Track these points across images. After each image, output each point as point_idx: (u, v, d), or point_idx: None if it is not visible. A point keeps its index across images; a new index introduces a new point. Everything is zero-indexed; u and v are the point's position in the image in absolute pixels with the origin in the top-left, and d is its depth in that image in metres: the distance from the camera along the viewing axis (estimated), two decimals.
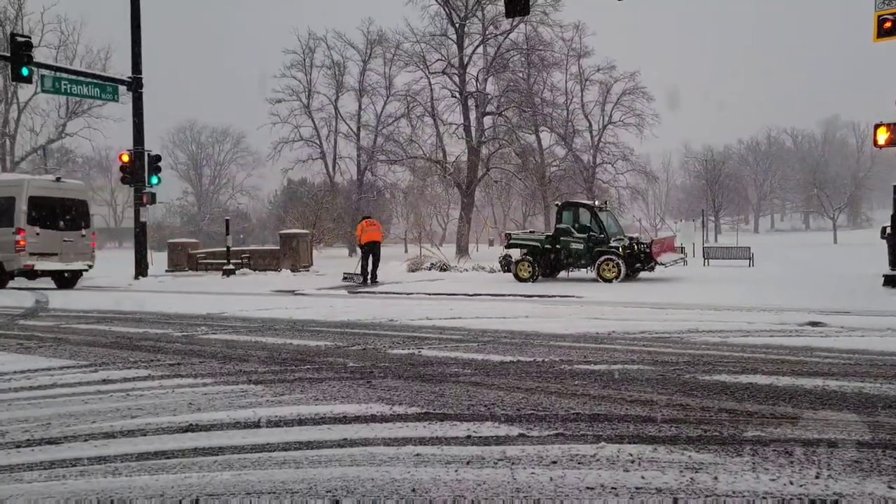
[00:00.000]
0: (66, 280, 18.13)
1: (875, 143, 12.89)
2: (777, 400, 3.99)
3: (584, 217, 16.45)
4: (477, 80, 37.42)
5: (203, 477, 2.80)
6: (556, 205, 17.83)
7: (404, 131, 40.93)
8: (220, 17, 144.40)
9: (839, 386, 4.35)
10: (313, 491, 2.62)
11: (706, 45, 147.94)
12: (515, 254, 17.04)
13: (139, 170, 20.10)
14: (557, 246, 16.19)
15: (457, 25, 36.56)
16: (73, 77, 20.51)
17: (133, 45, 20.21)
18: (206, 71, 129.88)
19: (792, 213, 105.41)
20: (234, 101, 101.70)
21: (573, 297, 12.06)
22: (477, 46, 37.25)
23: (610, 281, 15.08)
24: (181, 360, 5.79)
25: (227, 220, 23.02)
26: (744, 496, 2.49)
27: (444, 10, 36.62)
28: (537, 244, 16.47)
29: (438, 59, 37.49)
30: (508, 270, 16.83)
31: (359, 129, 46.50)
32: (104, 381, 4.87)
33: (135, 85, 20.20)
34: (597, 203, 17.79)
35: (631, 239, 15.92)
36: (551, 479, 2.70)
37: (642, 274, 16.38)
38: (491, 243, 55.24)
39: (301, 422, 3.65)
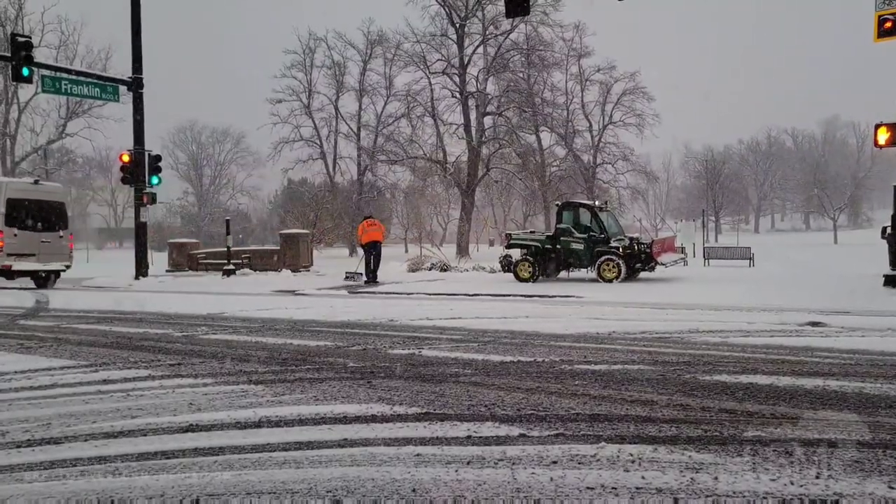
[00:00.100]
0: (43, 280, 18.45)
1: (875, 143, 12.88)
2: (777, 400, 3.99)
3: (585, 217, 16.45)
4: (477, 80, 37.45)
5: (203, 477, 2.80)
6: (557, 205, 17.82)
7: (404, 131, 41.00)
8: (220, 17, 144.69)
9: (839, 386, 4.35)
10: (314, 491, 2.62)
11: (706, 45, 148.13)
12: (516, 254, 17.04)
13: (139, 170, 20.09)
14: (558, 246, 16.19)
15: (457, 25, 36.57)
16: (74, 77, 20.49)
17: (133, 45, 20.21)
18: (206, 71, 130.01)
19: (792, 214, 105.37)
20: (235, 101, 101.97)
21: (573, 297, 12.06)
22: (477, 46, 37.29)
23: (610, 281, 15.08)
24: (181, 360, 5.79)
25: (227, 221, 23.02)
26: (744, 496, 2.49)
27: (445, 10, 36.65)
28: (538, 244, 16.47)
29: (439, 60, 37.55)
30: (509, 270, 16.83)
31: (359, 129, 46.53)
32: (105, 382, 4.87)
33: (135, 85, 20.19)
34: (597, 203, 17.79)
35: (631, 239, 15.91)
36: (552, 479, 2.70)
37: (643, 274, 16.38)
38: (491, 243, 55.28)
39: (301, 422, 3.65)
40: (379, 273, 17.47)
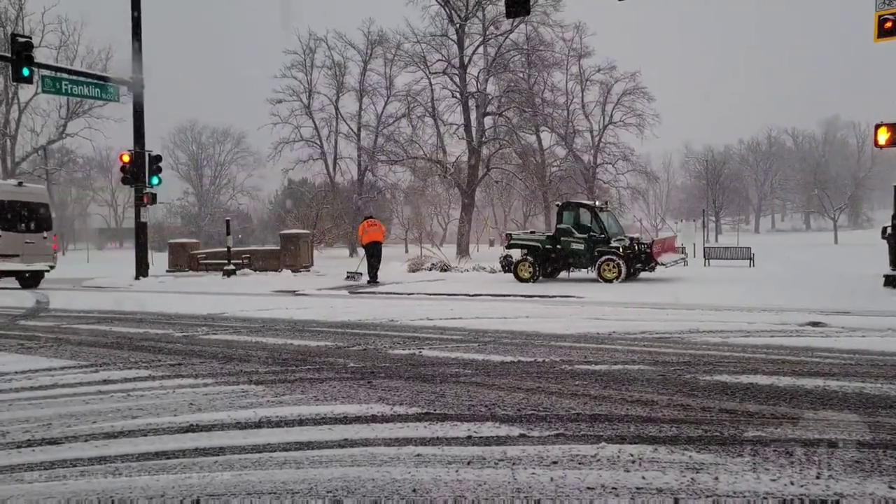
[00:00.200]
0: (27, 280, 18.59)
1: (876, 143, 12.88)
2: (778, 400, 3.99)
3: (585, 217, 16.45)
4: (477, 80, 37.45)
5: (204, 477, 2.80)
6: (557, 205, 17.82)
7: (405, 132, 40.98)
8: (220, 17, 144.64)
9: (840, 386, 4.35)
10: (314, 491, 2.62)
11: (707, 45, 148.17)
12: (516, 254, 17.04)
13: (140, 170, 20.11)
14: (558, 246, 16.19)
15: (457, 26, 36.57)
16: (74, 77, 20.50)
17: (133, 46, 20.21)
18: (206, 71, 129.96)
19: (792, 214, 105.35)
20: (235, 102, 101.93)
21: (574, 297, 12.06)
22: (477, 47, 37.28)
23: (610, 281, 15.08)
24: (182, 360, 5.79)
25: (227, 221, 23.03)
26: (744, 496, 2.49)
27: (445, 10, 36.64)
28: (538, 244, 16.47)
29: (439, 60, 37.54)
30: (509, 271, 16.83)
31: (359, 129, 46.50)
32: (105, 382, 4.87)
33: (135, 85, 20.21)
34: (597, 203, 17.77)
35: (632, 239, 15.91)
36: (552, 479, 2.70)
37: (643, 274, 16.38)
38: (491, 243, 55.24)
39: (302, 422, 3.65)
40: (379, 273, 17.48)
